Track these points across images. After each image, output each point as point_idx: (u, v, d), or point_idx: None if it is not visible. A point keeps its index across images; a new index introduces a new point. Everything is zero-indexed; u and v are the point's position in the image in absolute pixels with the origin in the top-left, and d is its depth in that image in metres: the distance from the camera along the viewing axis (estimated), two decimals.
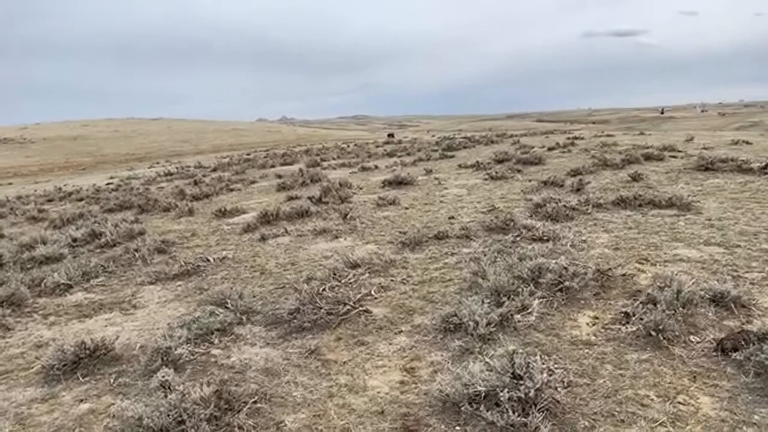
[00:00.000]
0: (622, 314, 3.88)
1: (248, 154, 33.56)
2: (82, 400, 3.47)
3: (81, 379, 3.74)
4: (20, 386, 3.74)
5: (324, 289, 4.81)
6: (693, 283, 4.06)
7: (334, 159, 21.14)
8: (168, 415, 2.92)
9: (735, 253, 5.03)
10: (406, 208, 8.61)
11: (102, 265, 6.51)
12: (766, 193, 7.40)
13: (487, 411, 2.79)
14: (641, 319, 3.66)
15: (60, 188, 20.91)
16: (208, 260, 6.45)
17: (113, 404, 3.35)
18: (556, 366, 3.23)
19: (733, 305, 3.83)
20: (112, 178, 25.42)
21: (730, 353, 3.24)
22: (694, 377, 3.11)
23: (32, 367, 4.02)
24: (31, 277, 6.13)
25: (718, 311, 3.81)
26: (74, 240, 8.16)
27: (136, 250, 6.99)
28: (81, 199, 15.85)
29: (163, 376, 3.38)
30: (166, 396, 3.12)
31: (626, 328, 3.69)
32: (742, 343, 3.25)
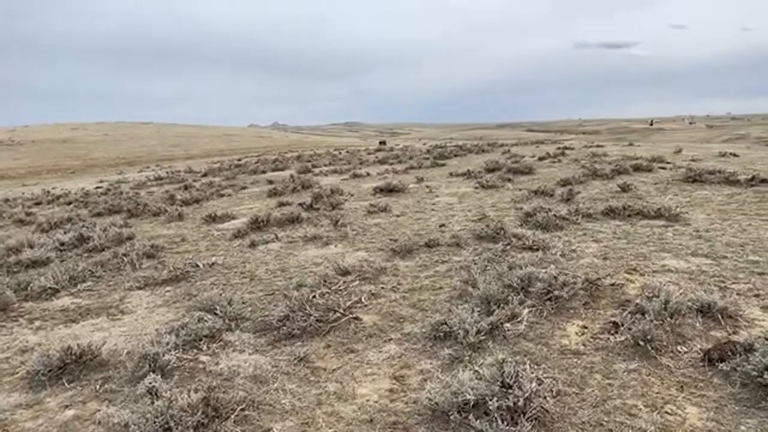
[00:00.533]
0: (611, 324, 3.91)
1: (239, 160, 33.48)
2: (67, 407, 3.43)
3: (66, 384, 3.70)
4: (4, 392, 3.69)
5: (314, 296, 4.80)
6: (681, 294, 4.10)
7: (325, 165, 21.13)
8: (154, 422, 2.89)
9: (722, 264, 5.08)
10: (397, 216, 8.62)
11: (90, 270, 6.44)
12: (753, 205, 7.49)
13: (476, 420, 2.79)
14: (630, 328, 3.68)
15: (48, 191, 20.72)
16: (198, 266, 6.41)
17: (99, 411, 3.30)
18: (545, 375, 3.24)
19: (720, 316, 3.87)
20: (101, 181, 25.23)
21: (717, 364, 3.27)
22: (682, 387, 3.13)
23: (17, 373, 3.97)
24: (18, 281, 6.05)
25: (705, 322, 3.84)
26: (62, 244, 8.09)
27: (124, 255, 6.93)
28: (69, 203, 15.71)
29: (150, 383, 3.35)
30: (152, 402, 3.09)
31: (615, 337, 3.71)
32: (729, 353, 3.28)
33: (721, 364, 3.24)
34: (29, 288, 5.84)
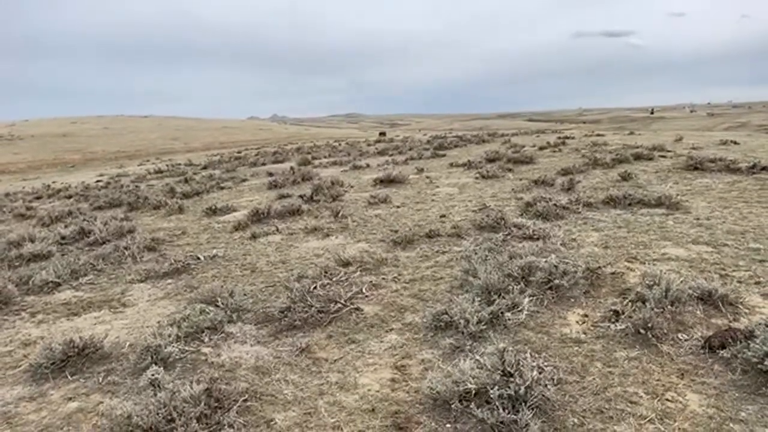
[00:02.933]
0: (612, 312, 3.91)
1: (239, 152, 33.44)
2: (70, 399, 3.44)
3: (69, 377, 3.71)
4: (8, 385, 3.70)
5: (315, 288, 4.81)
6: (681, 282, 4.10)
7: (325, 157, 21.10)
8: (157, 414, 2.91)
9: (723, 252, 5.08)
10: (398, 207, 8.62)
11: (91, 263, 6.45)
12: (754, 193, 7.48)
13: (478, 408, 2.80)
14: (630, 317, 3.69)
15: (48, 185, 20.72)
16: (199, 258, 6.42)
17: (102, 402, 3.32)
18: (546, 363, 3.25)
19: (720, 303, 3.87)
20: (101, 175, 25.22)
21: (717, 351, 3.28)
22: (682, 374, 3.14)
23: (20, 366, 3.98)
24: (19, 275, 6.07)
25: (705, 309, 3.85)
26: (63, 238, 8.09)
27: (125, 248, 6.94)
28: (70, 197, 15.71)
29: (153, 375, 3.36)
30: (155, 394, 3.10)
31: (615, 326, 3.72)
32: (730, 340, 3.28)
33: (722, 351, 3.25)
34: (31, 282, 5.85)
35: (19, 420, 3.26)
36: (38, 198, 16.65)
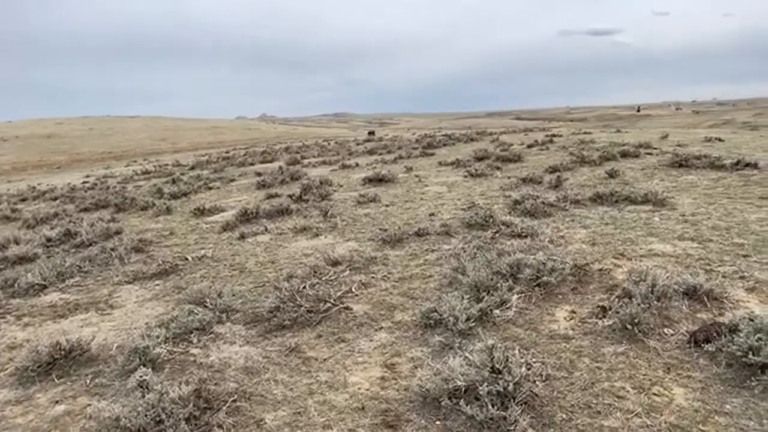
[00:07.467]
0: (599, 308, 3.95)
1: (227, 152, 33.26)
2: (57, 402, 3.41)
3: (56, 380, 3.68)
4: None
5: (304, 287, 4.80)
6: (667, 277, 4.14)
7: (314, 157, 21.04)
8: (146, 415, 2.89)
9: (708, 247, 5.14)
10: (387, 206, 8.62)
11: (77, 265, 6.39)
12: (738, 189, 7.57)
13: (467, 405, 2.81)
14: (617, 312, 3.72)
15: (34, 187, 20.47)
16: (187, 259, 6.38)
17: (90, 405, 3.30)
18: (534, 360, 3.27)
19: (705, 298, 3.92)
20: (88, 176, 24.96)
21: (702, 345, 3.32)
22: (668, 369, 3.17)
23: (5, 369, 3.94)
24: (4, 278, 5.99)
25: (691, 304, 3.90)
26: (48, 240, 8.01)
27: (112, 250, 6.88)
28: (55, 199, 15.53)
29: (141, 376, 3.34)
30: (143, 396, 3.09)
31: (603, 321, 3.75)
32: (715, 334, 3.33)
33: (707, 346, 3.29)
34: (16, 284, 5.79)
35: (6, 424, 3.22)
36: (23, 200, 16.44)
